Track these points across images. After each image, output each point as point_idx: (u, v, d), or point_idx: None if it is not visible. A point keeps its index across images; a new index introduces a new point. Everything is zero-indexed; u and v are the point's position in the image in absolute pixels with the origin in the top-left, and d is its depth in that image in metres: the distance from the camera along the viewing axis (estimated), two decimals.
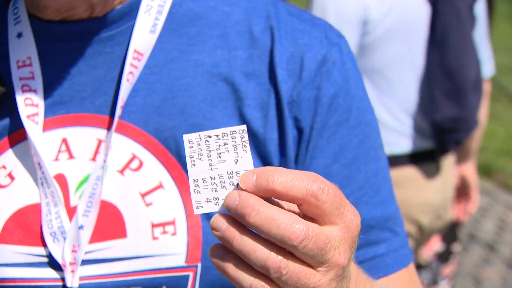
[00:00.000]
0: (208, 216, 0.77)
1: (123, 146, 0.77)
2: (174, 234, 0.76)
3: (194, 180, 0.58)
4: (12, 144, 0.77)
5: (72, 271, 0.75)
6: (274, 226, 0.56)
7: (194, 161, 0.57)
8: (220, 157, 0.57)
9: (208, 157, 0.57)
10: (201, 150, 0.57)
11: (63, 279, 0.76)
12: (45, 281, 0.76)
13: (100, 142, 0.77)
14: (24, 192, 0.77)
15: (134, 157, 0.77)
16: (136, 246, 0.76)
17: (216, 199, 0.58)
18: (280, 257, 0.57)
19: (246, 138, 0.57)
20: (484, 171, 5.05)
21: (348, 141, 0.80)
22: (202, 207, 0.58)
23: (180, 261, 0.76)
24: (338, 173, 0.80)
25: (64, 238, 0.75)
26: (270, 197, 0.58)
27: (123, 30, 0.78)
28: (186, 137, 0.57)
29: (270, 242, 0.58)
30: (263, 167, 0.58)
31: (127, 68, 0.76)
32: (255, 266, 0.58)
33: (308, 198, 0.57)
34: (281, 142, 0.78)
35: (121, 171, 0.77)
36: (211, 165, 0.57)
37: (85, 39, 0.78)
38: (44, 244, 0.76)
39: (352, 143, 0.80)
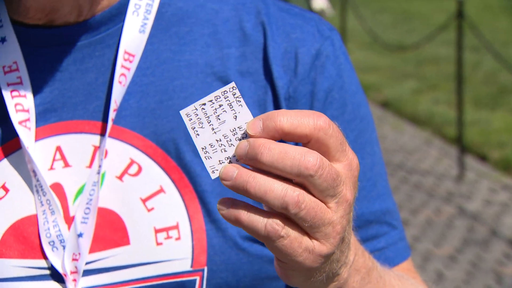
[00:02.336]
0: (211, 219, 0.75)
1: (120, 152, 0.75)
2: (178, 238, 0.74)
3: (203, 148, 0.58)
4: (4, 155, 0.75)
5: (74, 280, 0.73)
6: (288, 158, 0.56)
7: (196, 131, 0.58)
8: (219, 119, 0.58)
9: (209, 123, 0.58)
10: (200, 119, 0.58)
11: None
12: None
13: (95, 148, 0.75)
14: (19, 203, 0.75)
15: (132, 162, 0.75)
16: (140, 253, 0.74)
17: (227, 158, 0.59)
18: (297, 191, 0.57)
19: (238, 93, 0.58)
20: (504, 166, 5.00)
21: (344, 136, 0.79)
22: (217, 170, 0.59)
23: (186, 265, 0.74)
24: None
25: (64, 247, 0.74)
26: (278, 139, 0.58)
27: (113, 33, 0.76)
28: (183, 112, 0.58)
29: (283, 179, 0.57)
30: (268, 112, 0.58)
31: (118, 70, 0.74)
32: (273, 205, 0.57)
33: (316, 133, 0.57)
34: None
35: (120, 177, 0.75)
36: (213, 129, 0.58)
37: (73, 43, 0.76)
38: (44, 256, 0.74)
39: (348, 138, 0.79)
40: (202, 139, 0.58)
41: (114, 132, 0.76)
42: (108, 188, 0.75)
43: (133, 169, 0.75)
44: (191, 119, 0.58)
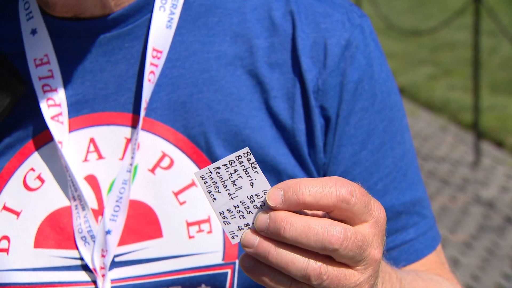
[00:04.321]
0: None
1: (152, 145, 0.76)
2: (210, 232, 0.75)
3: (221, 213, 0.58)
4: (38, 146, 0.76)
5: (103, 276, 0.74)
6: (312, 233, 0.56)
7: (213, 195, 0.57)
8: (235, 184, 0.57)
9: (225, 187, 0.57)
10: (216, 183, 0.57)
11: (95, 281, 0.75)
12: (81, 285, 0.75)
13: (128, 140, 0.76)
14: (55, 194, 0.75)
15: (164, 155, 0.76)
16: (172, 245, 0.75)
17: (246, 225, 0.59)
18: (319, 263, 0.57)
19: (253, 159, 0.57)
20: None
21: (374, 127, 0.79)
22: (237, 236, 0.59)
23: (218, 259, 0.75)
24: (366, 160, 0.79)
25: (94, 242, 0.74)
26: (300, 209, 0.57)
27: (141, 24, 0.76)
28: (197, 174, 0.57)
29: (305, 250, 0.57)
30: (287, 180, 0.58)
31: (148, 67, 0.75)
32: (294, 276, 0.57)
33: (340, 204, 0.57)
34: (309, 132, 0.77)
35: (152, 170, 0.76)
36: (230, 194, 0.57)
37: (102, 35, 0.76)
38: (78, 247, 0.75)
39: (379, 128, 0.79)
40: (219, 203, 0.57)
41: (145, 124, 0.76)
42: (141, 181, 0.75)
43: (165, 162, 0.76)
44: (206, 182, 0.57)
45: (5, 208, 0.76)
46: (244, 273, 0.75)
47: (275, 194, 0.56)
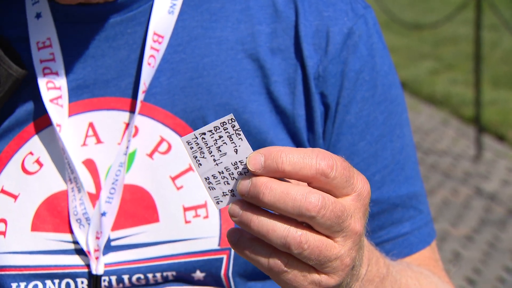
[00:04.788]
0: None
1: (150, 129, 0.76)
2: (206, 217, 0.75)
3: (206, 179, 0.58)
4: (37, 130, 0.76)
5: (97, 258, 0.74)
6: (290, 199, 0.56)
7: (198, 160, 0.58)
8: (220, 150, 0.57)
9: (210, 153, 0.58)
10: (201, 148, 0.58)
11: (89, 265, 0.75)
12: (77, 268, 0.75)
13: (127, 125, 0.76)
14: (53, 178, 0.76)
15: (162, 140, 0.76)
16: (169, 230, 0.75)
17: (231, 191, 0.59)
18: (300, 232, 0.57)
19: (237, 126, 0.57)
20: None
21: (374, 118, 0.79)
22: (221, 201, 0.59)
23: (214, 244, 0.75)
24: (364, 151, 0.79)
25: (89, 225, 0.75)
26: (280, 177, 0.57)
27: (144, 10, 0.76)
28: (183, 140, 0.58)
29: (286, 219, 0.57)
30: (270, 147, 0.58)
31: (148, 51, 0.75)
32: (275, 244, 0.57)
33: (318, 177, 0.57)
34: (309, 118, 0.77)
35: (150, 155, 0.76)
36: (215, 160, 0.58)
37: (106, 20, 0.76)
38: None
39: (378, 120, 0.79)
40: (204, 169, 0.58)
41: (144, 109, 0.76)
42: (138, 165, 0.76)
43: (163, 147, 0.76)
44: (192, 147, 0.57)
45: (2, 191, 0.76)
46: (239, 259, 0.76)
47: (256, 159, 0.57)
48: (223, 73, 0.76)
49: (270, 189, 0.56)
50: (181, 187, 0.75)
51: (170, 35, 0.76)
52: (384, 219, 0.80)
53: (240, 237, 0.58)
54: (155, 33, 0.75)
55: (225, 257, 0.76)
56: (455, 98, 5.92)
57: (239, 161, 0.57)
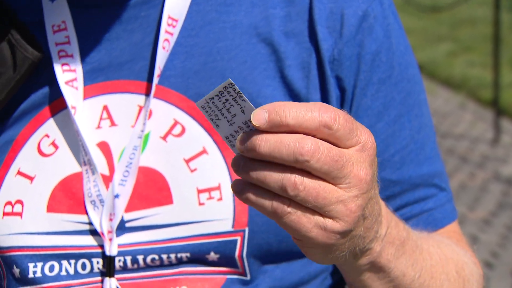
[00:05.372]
0: None
1: (164, 112, 0.76)
2: (220, 199, 0.75)
3: (226, 138, 0.61)
4: (53, 113, 0.77)
5: (110, 239, 0.75)
6: (284, 147, 0.57)
7: (215, 122, 0.60)
8: (230, 112, 0.60)
9: (223, 115, 0.60)
10: (214, 111, 0.60)
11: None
12: (92, 248, 0.76)
13: (141, 108, 0.76)
14: (68, 160, 0.77)
15: (176, 122, 0.76)
16: (182, 212, 0.75)
17: None
18: (294, 174, 0.58)
19: (237, 89, 0.59)
20: None
21: (391, 99, 0.79)
22: None
23: (227, 226, 0.75)
24: (382, 132, 0.78)
25: (103, 206, 0.75)
26: (283, 132, 0.59)
27: None
28: (198, 104, 0.60)
29: (284, 166, 0.59)
30: (273, 102, 0.59)
31: (162, 35, 0.75)
32: (273, 189, 0.58)
33: (322, 129, 0.58)
34: (324, 103, 0.76)
35: (164, 138, 0.76)
36: (228, 121, 0.60)
37: (119, 4, 0.76)
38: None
39: (396, 100, 0.79)
40: (223, 129, 0.60)
41: (158, 92, 0.76)
42: (152, 148, 0.76)
43: (177, 129, 0.76)
44: (207, 111, 0.60)
45: (19, 173, 0.77)
46: (253, 241, 0.76)
47: (260, 114, 0.58)
48: (237, 57, 0.76)
49: (265, 140, 0.58)
50: (195, 169, 0.76)
51: (184, 18, 0.76)
52: (407, 199, 0.80)
53: (243, 187, 0.60)
54: (169, 17, 0.75)
55: (239, 238, 0.76)
56: (473, 80, 5.87)
57: (248, 120, 0.59)
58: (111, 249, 0.75)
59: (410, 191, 0.80)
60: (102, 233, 0.75)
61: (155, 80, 0.75)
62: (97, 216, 0.76)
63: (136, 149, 0.75)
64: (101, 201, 0.76)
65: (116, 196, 0.75)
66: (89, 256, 0.76)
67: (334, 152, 0.58)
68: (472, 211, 3.88)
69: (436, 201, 0.81)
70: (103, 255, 0.76)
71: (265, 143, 0.58)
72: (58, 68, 0.76)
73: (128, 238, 0.76)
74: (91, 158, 0.75)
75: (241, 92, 0.59)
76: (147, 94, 0.76)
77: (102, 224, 0.75)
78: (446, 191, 0.83)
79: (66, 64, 0.76)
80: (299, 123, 0.57)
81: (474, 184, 4.19)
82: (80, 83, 0.76)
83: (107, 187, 0.76)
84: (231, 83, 0.58)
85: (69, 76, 0.76)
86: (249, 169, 0.59)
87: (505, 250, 3.47)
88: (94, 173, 0.76)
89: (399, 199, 0.80)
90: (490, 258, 3.42)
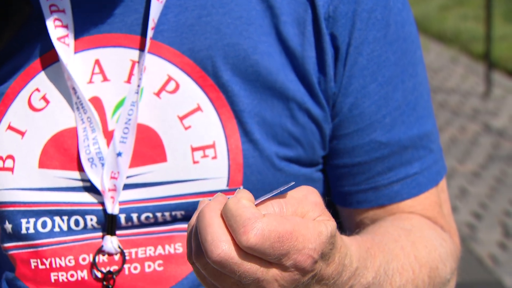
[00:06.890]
0: (248, 139, 0.75)
1: (158, 68, 0.75)
2: (214, 157, 0.75)
3: None
4: (44, 66, 0.76)
5: (112, 197, 0.75)
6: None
7: None
8: None
9: None
10: None
11: (102, 203, 0.75)
12: (86, 205, 0.76)
13: (133, 63, 0.75)
14: (60, 115, 0.76)
15: (170, 79, 0.75)
16: (176, 170, 0.75)
17: None
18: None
19: None
20: None
21: (385, 59, 0.78)
22: None
23: (222, 184, 0.75)
24: (375, 93, 0.78)
25: (102, 164, 0.75)
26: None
27: None
28: None
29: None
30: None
31: None
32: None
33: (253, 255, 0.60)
34: (320, 60, 0.76)
35: (158, 94, 0.75)
36: None
37: None
38: (83, 169, 0.75)
39: (390, 61, 0.78)
40: None
41: (152, 47, 0.75)
42: (145, 104, 0.75)
43: (171, 86, 0.75)
44: None
45: (10, 127, 0.76)
46: None
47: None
48: (232, 12, 0.75)
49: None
50: (189, 127, 0.75)
51: None
52: (394, 161, 0.80)
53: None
54: None
55: None
56: (465, 34, 5.84)
57: None
58: (114, 208, 0.75)
59: (398, 154, 0.79)
60: (104, 191, 0.75)
61: (150, 33, 0.73)
62: (96, 174, 0.75)
63: (134, 105, 0.74)
64: (101, 159, 0.75)
65: (119, 154, 0.74)
66: (82, 213, 0.76)
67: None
68: (462, 165, 3.91)
69: (423, 164, 0.81)
70: (102, 212, 0.75)
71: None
72: (50, 23, 0.74)
73: (122, 195, 0.75)
74: (91, 116, 0.74)
75: None
76: (141, 48, 0.75)
77: (104, 182, 0.75)
78: (434, 151, 0.82)
79: (58, 19, 0.74)
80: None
81: (465, 137, 4.21)
82: (71, 39, 0.75)
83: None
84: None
85: (61, 32, 0.74)
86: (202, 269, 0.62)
87: (493, 201, 3.51)
88: (95, 131, 0.75)
89: (387, 161, 0.80)
90: (479, 209, 3.46)
